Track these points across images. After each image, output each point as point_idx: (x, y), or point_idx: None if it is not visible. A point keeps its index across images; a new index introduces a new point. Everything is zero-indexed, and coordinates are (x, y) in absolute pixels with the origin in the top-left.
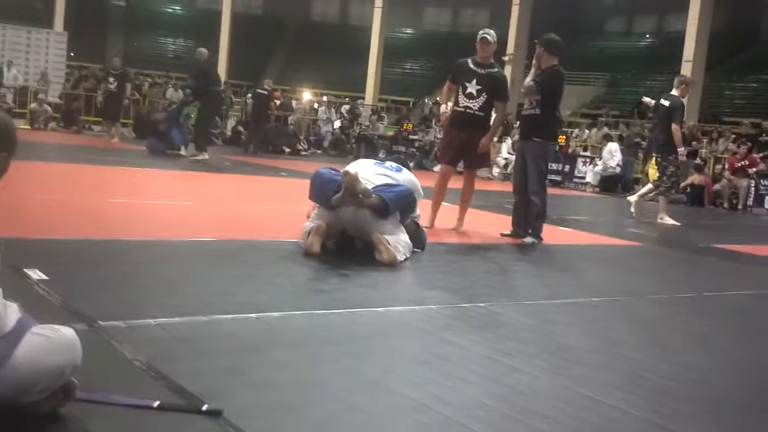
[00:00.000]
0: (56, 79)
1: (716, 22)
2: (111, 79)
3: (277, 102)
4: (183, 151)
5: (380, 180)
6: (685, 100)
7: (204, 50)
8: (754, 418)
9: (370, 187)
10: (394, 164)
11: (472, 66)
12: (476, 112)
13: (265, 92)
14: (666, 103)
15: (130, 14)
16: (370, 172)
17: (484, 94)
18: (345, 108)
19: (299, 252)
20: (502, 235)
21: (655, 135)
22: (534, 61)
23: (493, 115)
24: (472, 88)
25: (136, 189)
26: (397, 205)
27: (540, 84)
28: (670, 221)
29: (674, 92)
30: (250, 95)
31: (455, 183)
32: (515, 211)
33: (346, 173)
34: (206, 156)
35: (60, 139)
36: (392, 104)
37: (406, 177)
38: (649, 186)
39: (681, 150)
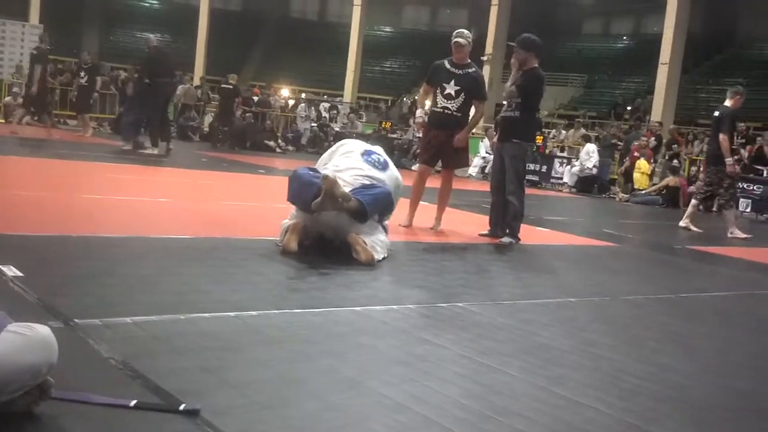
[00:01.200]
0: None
1: (693, 24)
2: (82, 73)
3: (255, 98)
4: (124, 146)
5: (358, 181)
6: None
7: (152, 37)
8: (729, 418)
9: (348, 189)
10: (382, 158)
11: (449, 67)
12: (454, 113)
13: (230, 87)
14: (716, 114)
15: (106, 8)
16: (350, 172)
17: (462, 95)
18: (324, 106)
19: (277, 250)
20: (480, 235)
21: (710, 146)
22: (513, 60)
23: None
24: (450, 88)
25: (111, 185)
26: (374, 208)
27: (521, 87)
28: (741, 234)
29: (727, 103)
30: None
31: (433, 182)
32: (492, 211)
33: (326, 177)
34: (155, 151)
35: (33, 134)
36: (371, 102)
37: (390, 174)
38: (693, 202)
39: (728, 160)
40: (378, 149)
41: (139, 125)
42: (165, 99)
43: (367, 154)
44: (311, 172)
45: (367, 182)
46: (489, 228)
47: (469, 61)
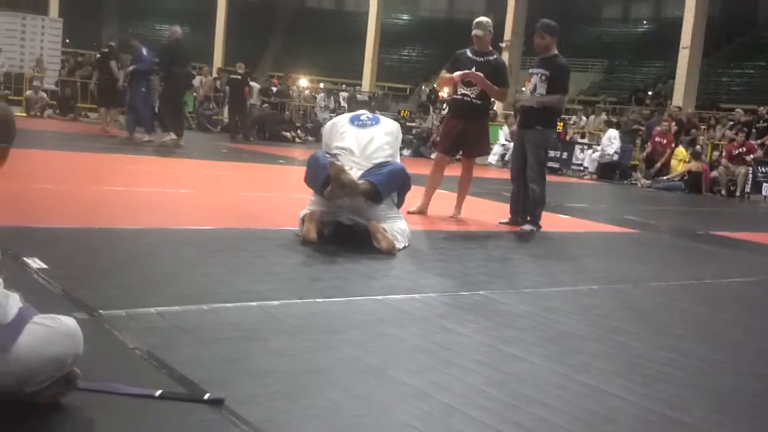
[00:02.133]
0: (52, 66)
1: (713, 8)
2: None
3: (273, 89)
4: (129, 135)
5: (368, 160)
6: None
7: (177, 28)
8: (753, 405)
9: (358, 172)
10: (369, 116)
11: (470, 55)
12: (474, 100)
13: (239, 77)
14: None
15: (125, 1)
16: (351, 147)
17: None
18: (343, 95)
19: (297, 240)
20: (501, 223)
21: None
22: (537, 43)
23: (492, 102)
24: None
25: (132, 177)
26: (388, 186)
27: (546, 76)
28: None
29: None
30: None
31: (454, 171)
32: (513, 199)
33: (332, 164)
34: (171, 136)
35: (56, 127)
36: (389, 91)
37: (384, 126)
38: None
39: None
40: (362, 111)
41: (178, 116)
42: (183, 89)
43: (354, 119)
44: (327, 155)
45: (379, 161)
46: (509, 216)
47: (491, 48)
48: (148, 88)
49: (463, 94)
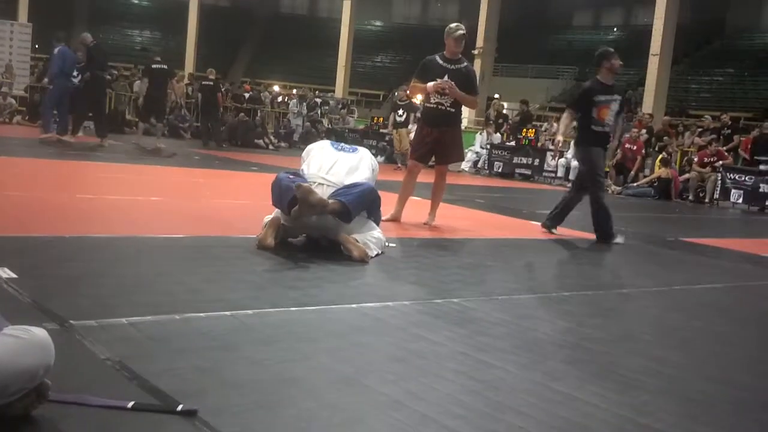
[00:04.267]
0: (21, 71)
1: (683, 15)
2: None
3: (246, 95)
4: (43, 135)
5: (338, 177)
6: None
7: (87, 35)
8: (725, 411)
9: (329, 190)
10: (347, 146)
11: (441, 62)
12: (448, 108)
13: (211, 83)
14: None
15: (96, 5)
16: (327, 167)
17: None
18: (316, 101)
19: (272, 248)
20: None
21: None
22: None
23: (464, 111)
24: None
25: (103, 184)
26: (358, 207)
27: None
28: None
29: None
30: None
31: (423, 177)
32: (560, 203)
33: (299, 186)
34: (70, 139)
35: (25, 133)
36: (362, 97)
37: (362, 154)
38: None
39: None
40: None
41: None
42: (98, 92)
43: (334, 144)
44: (290, 177)
45: (350, 179)
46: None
47: (461, 56)
48: (59, 88)
49: (437, 103)
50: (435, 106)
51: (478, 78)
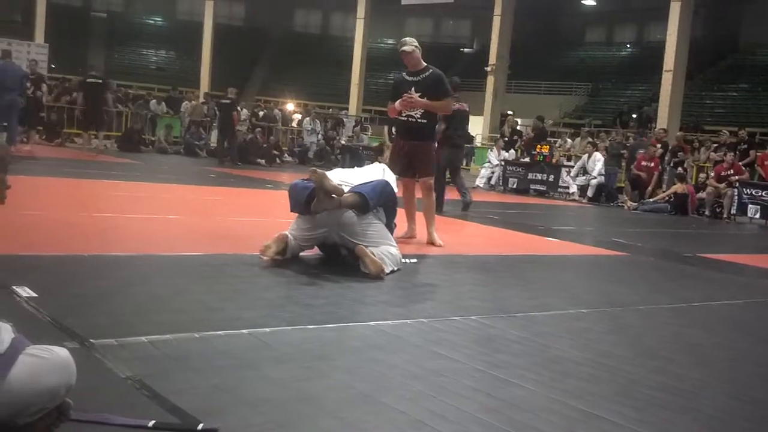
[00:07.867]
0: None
1: (696, 31)
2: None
3: (260, 113)
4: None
5: (352, 178)
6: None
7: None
8: (746, 429)
9: (345, 188)
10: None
11: (407, 77)
12: (418, 120)
13: (229, 101)
14: None
15: (111, 26)
16: (343, 174)
17: (424, 99)
18: (330, 122)
19: (287, 265)
20: None
21: None
22: None
23: (438, 124)
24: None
25: (120, 203)
26: (375, 197)
27: None
28: None
29: None
30: (215, 106)
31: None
32: None
33: (314, 171)
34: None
35: (43, 152)
36: (376, 115)
37: (378, 167)
38: None
39: None
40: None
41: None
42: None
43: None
44: (305, 180)
45: (363, 180)
46: None
47: (425, 65)
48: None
49: (407, 116)
50: (406, 119)
51: (491, 94)
